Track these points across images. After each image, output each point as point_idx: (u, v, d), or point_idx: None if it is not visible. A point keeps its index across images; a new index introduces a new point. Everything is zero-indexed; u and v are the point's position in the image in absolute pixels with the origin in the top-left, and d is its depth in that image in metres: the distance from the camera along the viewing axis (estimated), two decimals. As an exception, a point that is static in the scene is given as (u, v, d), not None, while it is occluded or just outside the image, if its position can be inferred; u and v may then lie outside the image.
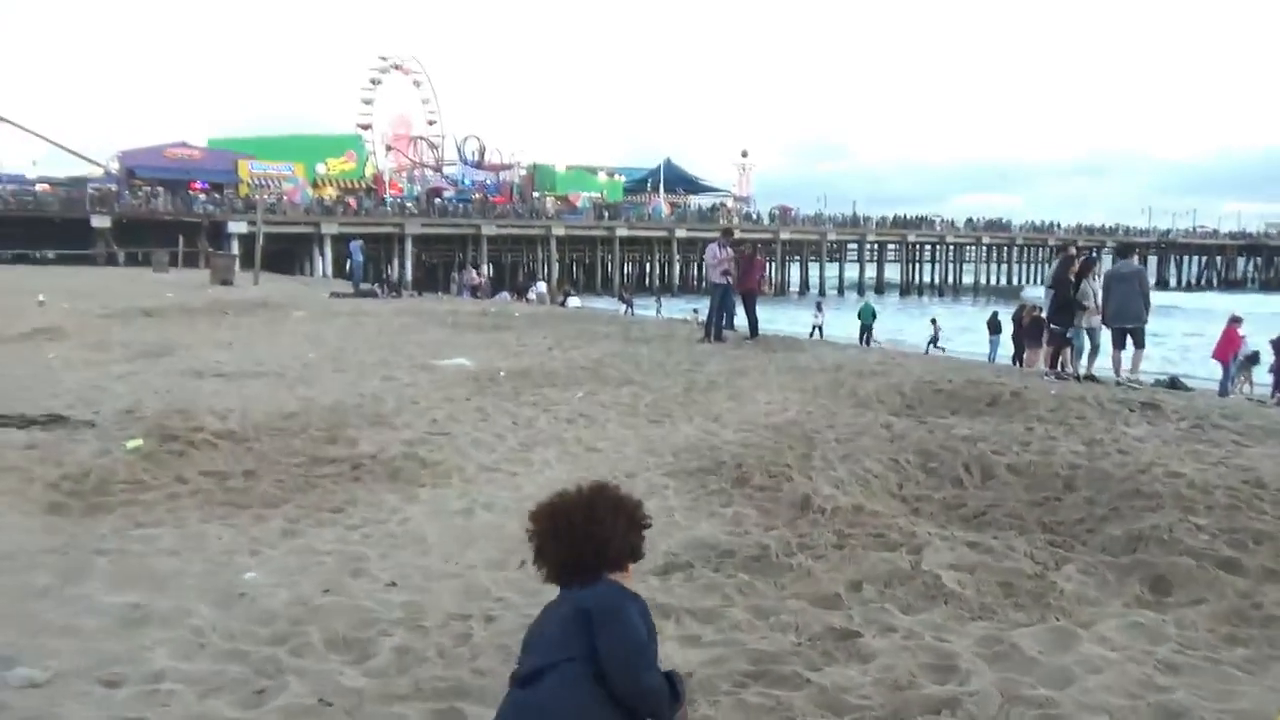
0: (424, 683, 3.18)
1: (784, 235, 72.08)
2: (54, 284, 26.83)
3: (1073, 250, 14.18)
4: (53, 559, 4.37)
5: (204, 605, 3.86)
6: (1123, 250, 13.92)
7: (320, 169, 71.40)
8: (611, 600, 2.17)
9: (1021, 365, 17.54)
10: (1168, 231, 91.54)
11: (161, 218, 53.41)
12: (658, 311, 34.39)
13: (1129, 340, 11.78)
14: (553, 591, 2.42)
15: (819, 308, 32.34)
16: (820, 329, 28.43)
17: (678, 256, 68.43)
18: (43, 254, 50.16)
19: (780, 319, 30.24)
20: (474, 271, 42.47)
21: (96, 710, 2.95)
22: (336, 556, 4.53)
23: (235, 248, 45.94)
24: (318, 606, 3.87)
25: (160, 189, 60.33)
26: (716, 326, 15.23)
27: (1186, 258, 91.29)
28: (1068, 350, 12.55)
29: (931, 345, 27.32)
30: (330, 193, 68.84)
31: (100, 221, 51.20)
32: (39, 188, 63.39)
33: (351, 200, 66.59)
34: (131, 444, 6.64)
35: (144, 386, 9.48)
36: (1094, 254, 23.84)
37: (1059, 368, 12.25)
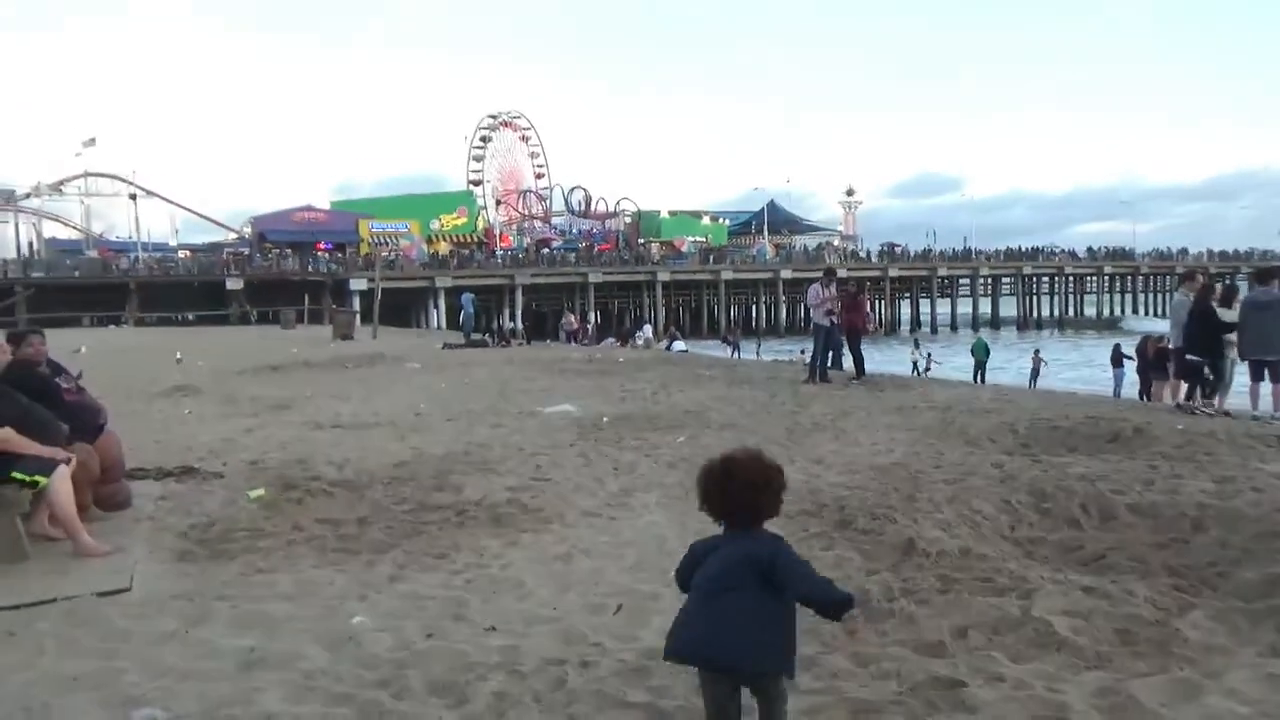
0: (519, 728, 3.21)
1: (892, 272, 70.85)
2: (191, 343, 28.61)
3: (1200, 277, 13.43)
4: (179, 604, 4.62)
5: (314, 648, 4.01)
6: (1262, 276, 12.93)
7: (434, 225, 74.39)
8: (775, 548, 2.87)
9: (1148, 399, 16.67)
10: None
11: (289, 278, 56.44)
12: (757, 353, 34.24)
13: (1267, 374, 10.98)
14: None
15: (916, 344, 31.59)
16: (919, 366, 27.60)
17: (783, 297, 68.06)
18: (183, 316, 53.66)
19: (887, 358, 29.67)
20: (572, 317, 43.30)
21: (212, 749, 3.10)
22: (439, 601, 4.64)
23: (356, 304, 48.15)
24: (420, 650, 3.96)
25: (289, 251, 63.87)
26: (822, 368, 15.03)
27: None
28: (1199, 385, 11.72)
29: (1033, 379, 26.31)
30: (444, 248, 71.47)
31: (234, 284, 54.51)
32: (180, 255, 68.01)
33: (464, 253, 68.88)
34: (254, 494, 6.99)
35: (269, 439, 9.97)
36: (1230, 281, 22.49)
37: (1195, 403, 11.44)
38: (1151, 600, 4.27)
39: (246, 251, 65.50)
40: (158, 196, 71.97)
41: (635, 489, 7.22)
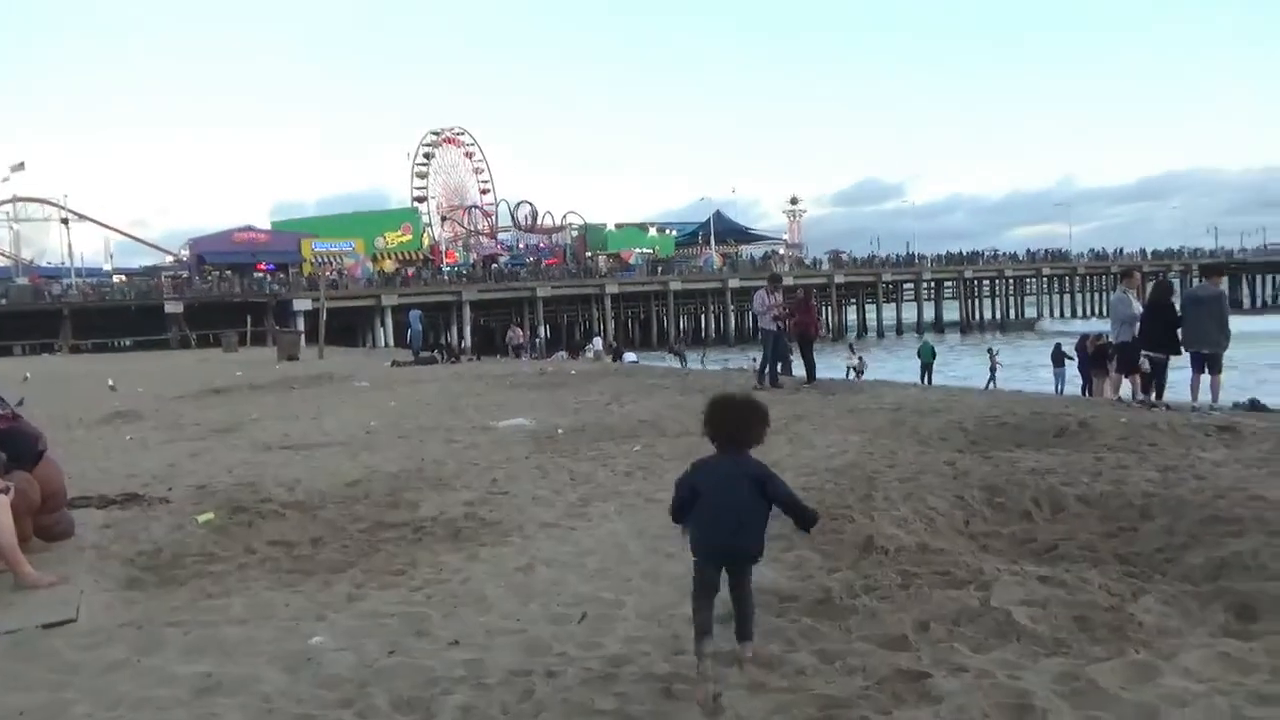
0: (488, 740, 3.17)
1: (838, 279, 71.79)
2: (130, 369, 27.91)
3: (1137, 275, 13.83)
4: (129, 633, 4.48)
5: (272, 671, 3.92)
6: (1208, 271, 13.35)
7: (379, 243, 73.60)
8: (764, 469, 3.77)
9: (1089, 395, 17.09)
10: (1233, 252, 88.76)
11: (230, 300, 55.41)
12: (702, 363, 34.40)
13: (1205, 366, 11.29)
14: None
15: (851, 348, 32.17)
16: (856, 370, 27.94)
17: (732, 307, 68.55)
18: (120, 342, 52.30)
19: (825, 364, 30.08)
20: (518, 331, 43.19)
21: (170, 778, 3.01)
22: (400, 618, 4.56)
23: (301, 324, 47.39)
24: (382, 668, 3.89)
25: (229, 272, 62.68)
26: (772, 373, 15.15)
27: (1259, 277, 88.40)
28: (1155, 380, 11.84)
29: (991, 378, 26.88)
30: (389, 265, 70.74)
31: (173, 307, 53.33)
32: (115, 279, 66.38)
33: (410, 271, 68.26)
34: (203, 518, 6.82)
35: (215, 462, 9.75)
36: (1163, 276, 23.22)
37: (1151, 398, 11.59)
38: (1105, 587, 4.37)
39: (185, 274, 64.15)
40: (90, 220, 70.30)
41: (594, 499, 7.19)
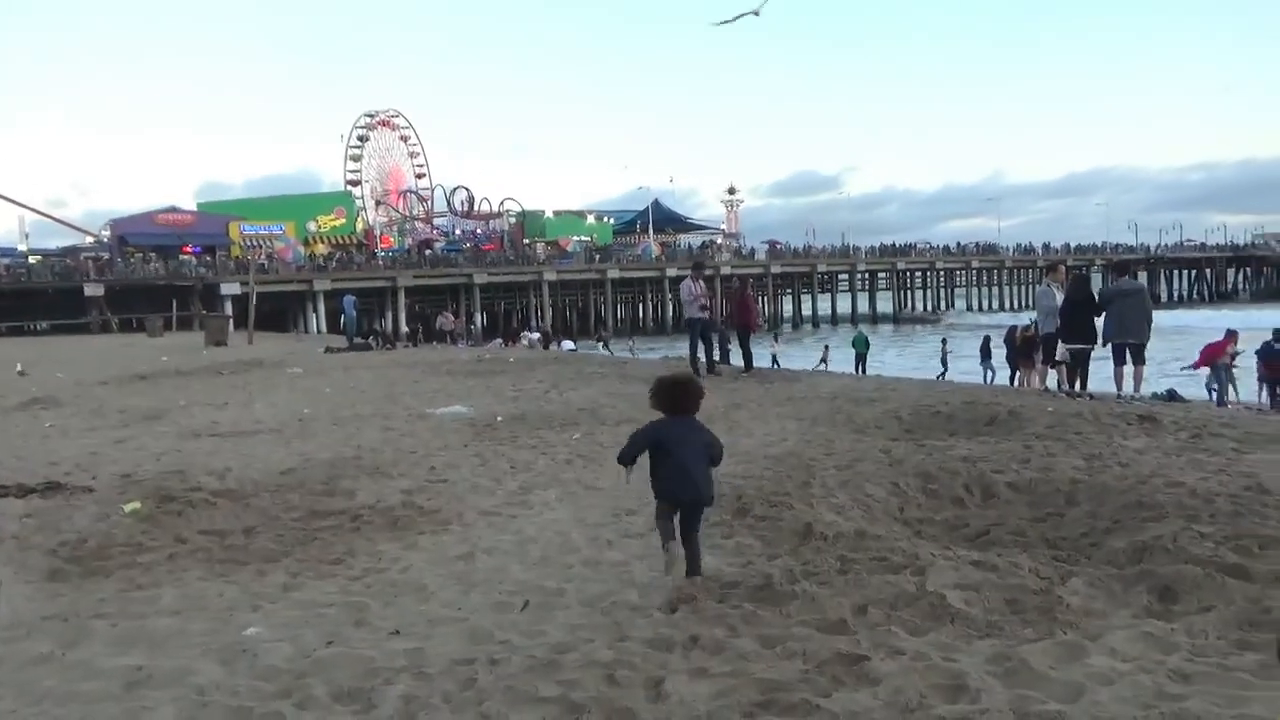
0: (430, 729, 3.14)
1: (775, 269, 72.44)
2: (47, 354, 26.89)
3: (1063, 269, 14.21)
4: (53, 625, 4.33)
5: (206, 663, 3.83)
6: (1120, 268, 13.80)
7: (311, 227, 71.95)
8: (711, 434, 4.89)
9: (1015, 385, 17.57)
10: (1151, 248, 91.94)
11: (154, 283, 53.63)
12: (631, 352, 34.44)
13: (1128, 356, 11.65)
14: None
15: (775, 338, 33.13)
16: (777, 359, 28.36)
17: (669, 296, 68.70)
18: (36, 325, 50.28)
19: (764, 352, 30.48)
20: (448, 316, 42.60)
21: (99, 774, 2.92)
22: (338, 608, 4.49)
23: (229, 309, 46.11)
24: (321, 658, 3.83)
25: (152, 255, 60.66)
26: (708, 360, 15.25)
27: (1176, 272, 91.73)
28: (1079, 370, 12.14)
29: (944, 366, 27.62)
30: (321, 250, 69.25)
31: (93, 290, 51.35)
32: (31, 259, 63.71)
33: (343, 254, 66.93)
34: (129, 507, 6.61)
35: (141, 450, 9.46)
36: (1084, 271, 24.00)
37: (1077, 389, 11.88)
38: (1035, 571, 4.50)
39: (106, 256, 61.90)
40: (3, 198, 67.32)
41: (534, 486, 7.17)
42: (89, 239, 69.65)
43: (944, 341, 31.15)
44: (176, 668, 3.77)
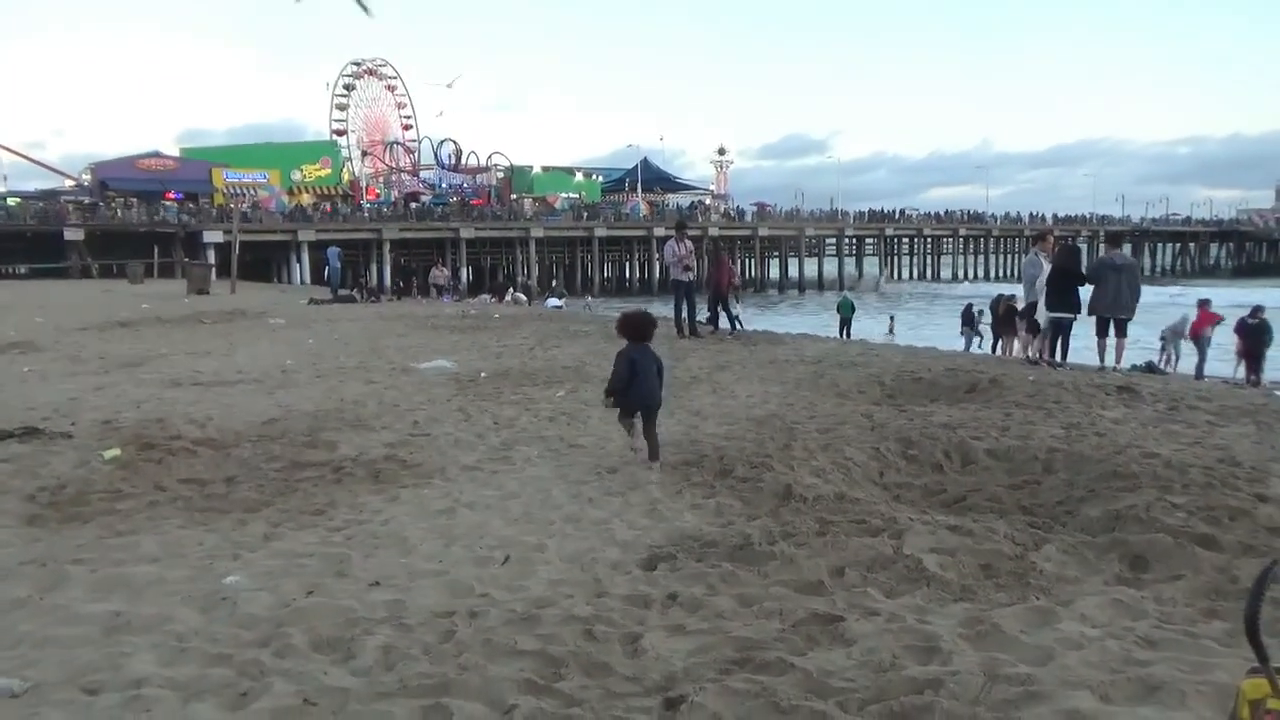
0: (409, 680, 3.16)
1: (762, 231, 72.15)
2: (27, 298, 26.59)
3: (1050, 239, 14.21)
4: (30, 570, 4.32)
5: (186, 610, 3.83)
6: (1112, 239, 13.87)
7: (295, 176, 71.01)
8: (658, 358, 6.58)
9: (997, 354, 17.67)
10: (1138, 220, 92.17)
11: (136, 229, 52.82)
12: (589, 309, 33.02)
13: (1111, 329, 11.71)
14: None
15: (737, 299, 30.09)
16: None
17: (657, 255, 68.37)
18: (15, 269, 49.60)
19: (760, 320, 30.24)
20: (442, 270, 42.11)
21: (78, 718, 2.93)
22: (319, 558, 4.50)
23: (212, 257, 45.55)
24: (301, 608, 3.84)
25: (134, 200, 59.74)
26: (690, 321, 15.25)
27: (1160, 245, 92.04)
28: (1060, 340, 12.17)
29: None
30: (306, 200, 68.43)
31: (74, 234, 50.53)
32: (9, 201, 62.62)
33: (327, 206, 66.17)
34: (109, 454, 6.58)
35: (121, 397, 9.40)
36: (1070, 241, 24.03)
37: (1057, 359, 11.93)
38: (1010, 537, 4.57)
39: (88, 200, 60.92)
40: (-19, 138, 65.96)
41: (517, 443, 7.18)
42: (69, 183, 68.48)
43: (891, 318, 31.29)
44: (156, 614, 3.78)
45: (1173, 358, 17.48)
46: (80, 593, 4.06)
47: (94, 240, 50.34)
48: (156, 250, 46.11)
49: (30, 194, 66.72)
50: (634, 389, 6.31)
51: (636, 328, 6.50)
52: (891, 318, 31.71)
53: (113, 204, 59.12)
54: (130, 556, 4.55)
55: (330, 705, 3.02)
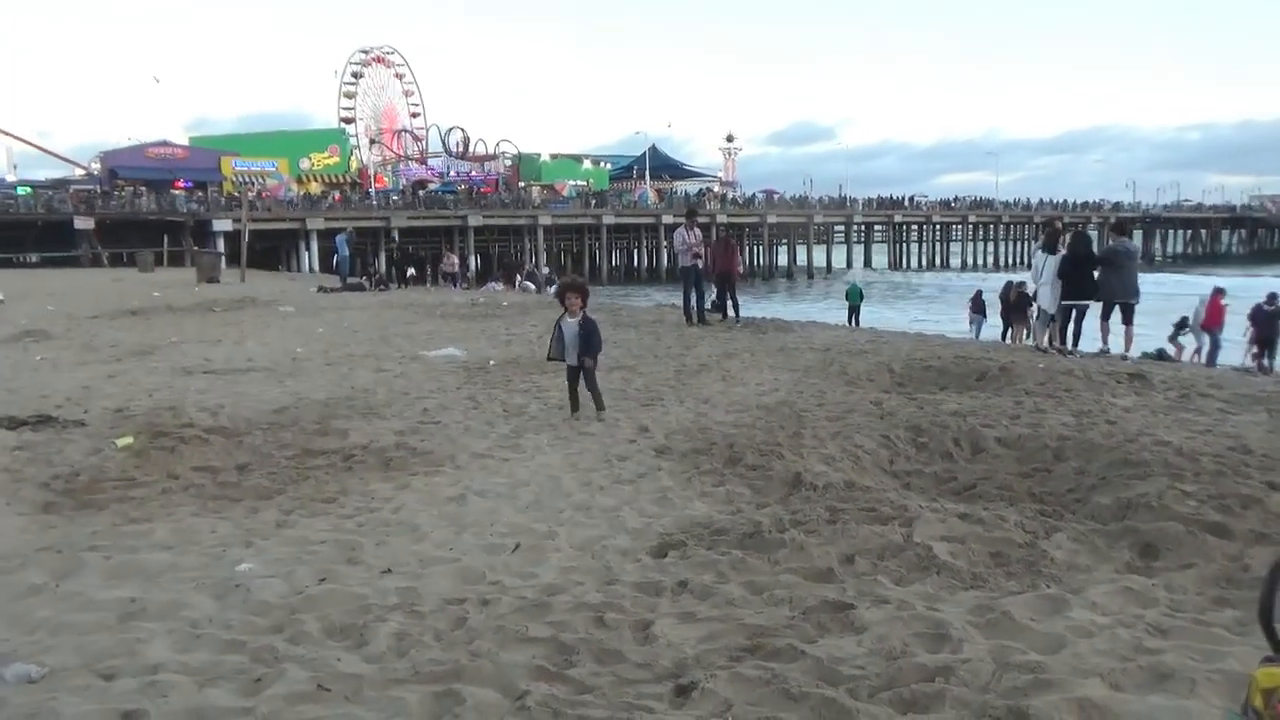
0: (421, 666, 3.19)
1: (771, 219, 71.93)
2: (39, 286, 26.69)
3: (1059, 225, 14.15)
4: (46, 557, 4.36)
5: (199, 597, 3.87)
6: (1119, 227, 13.80)
7: (304, 164, 71.04)
8: (595, 324, 7.78)
9: (1008, 341, 17.60)
10: (1149, 207, 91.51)
11: (145, 218, 52.97)
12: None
13: (1118, 316, 11.69)
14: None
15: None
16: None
17: (664, 243, 68.22)
18: (26, 257, 49.79)
19: (767, 308, 30.00)
20: (453, 258, 42.00)
21: (94, 703, 2.96)
22: (331, 545, 4.53)
23: (221, 245, 45.66)
24: (313, 595, 3.87)
25: (143, 189, 59.87)
26: (699, 309, 15.24)
27: (1171, 232, 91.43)
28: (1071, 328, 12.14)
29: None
30: (315, 188, 68.46)
31: (84, 223, 50.68)
32: (19, 191, 62.77)
33: (338, 194, 66.22)
34: (122, 442, 6.62)
35: (133, 385, 9.45)
36: (1080, 228, 23.87)
37: (1066, 345, 11.90)
38: (1020, 525, 4.56)
39: (98, 189, 61.05)
40: (-9, 127, 66.12)
41: (526, 431, 7.20)
42: (79, 171, 68.65)
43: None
44: (170, 601, 3.81)
45: (1203, 347, 17.20)
46: (95, 579, 4.10)
47: (105, 229, 50.50)
48: (166, 239, 46.19)
49: (41, 183, 66.90)
50: (558, 350, 7.65)
51: (573, 294, 7.78)
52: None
53: (122, 192, 59.26)
54: (144, 544, 4.59)
55: (344, 691, 3.04)
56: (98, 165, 66.67)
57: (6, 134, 66.99)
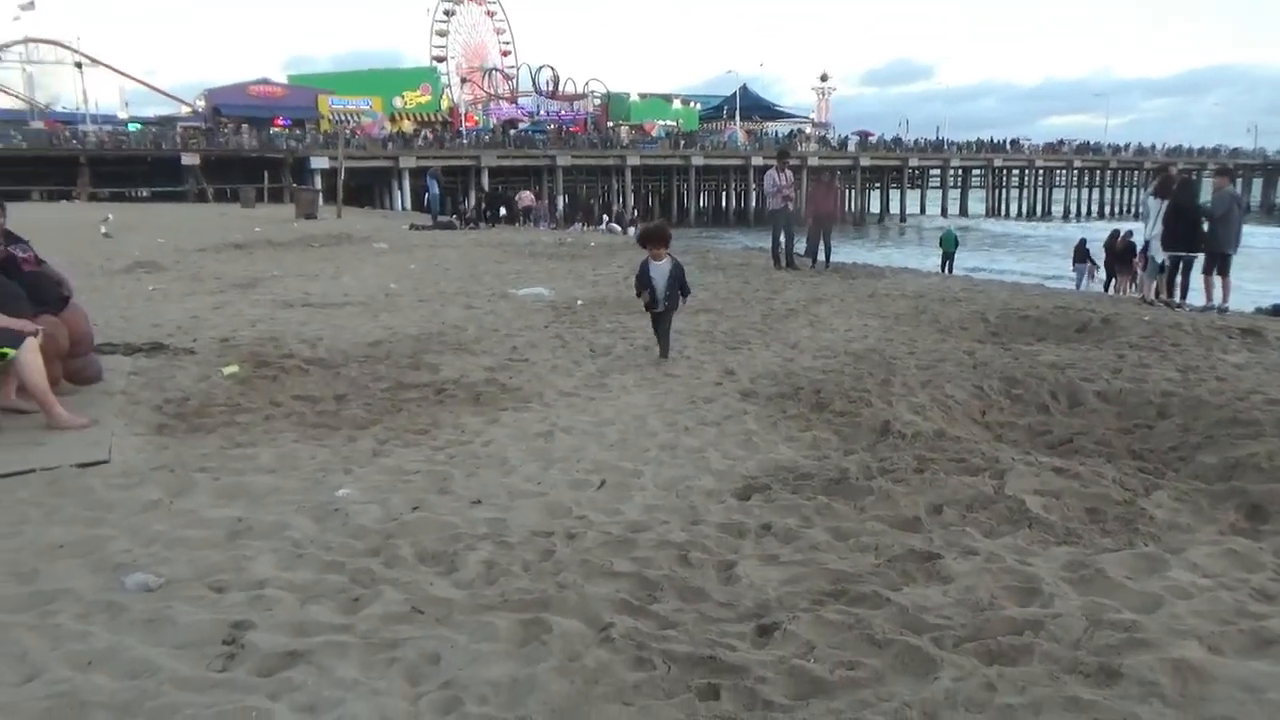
0: (510, 594, 3.28)
1: (864, 161, 70.12)
2: (149, 220, 27.85)
3: (1174, 171, 13.42)
4: (161, 475, 4.61)
5: (301, 519, 4.04)
6: (1224, 173, 13.06)
7: (397, 103, 71.93)
8: (679, 267, 7.67)
9: (1112, 292, 16.92)
10: (1274, 153, 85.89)
11: (247, 154, 54.61)
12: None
13: (1218, 267, 11.22)
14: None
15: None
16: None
17: (754, 185, 67.22)
18: (137, 192, 51.95)
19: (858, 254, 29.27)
20: (527, 194, 41.83)
21: (207, 613, 3.13)
22: (424, 475, 4.67)
23: (318, 182, 46.83)
24: (407, 522, 4.01)
25: (245, 126, 61.57)
26: (787, 254, 15.02)
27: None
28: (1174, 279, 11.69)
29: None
30: (407, 126, 69.35)
31: (190, 159, 52.59)
32: (132, 127, 65.28)
33: (430, 132, 66.94)
34: (228, 370, 6.92)
35: (237, 316, 9.84)
36: (1196, 175, 22.63)
37: (1168, 296, 11.46)
38: (1119, 481, 4.42)
39: (203, 126, 63.07)
40: (104, 65, 68.73)
41: (612, 370, 7.25)
42: (185, 109, 70.96)
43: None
44: (274, 521, 4.00)
45: None
46: (206, 498, 4.32)
47: (209, 165, 52.26)
48: (266, 175, 47.58)
49: (150, 120, 69.40)
50: (652, 291, 7.52)
51: (650, 236, 7.79)
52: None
53: (224, 129, 61.06)
54: (249, 466, 4.81)
55: (436, 614, 3.15)
56: (202, 103, 68.76)
57: (119, 72, 69.56)
